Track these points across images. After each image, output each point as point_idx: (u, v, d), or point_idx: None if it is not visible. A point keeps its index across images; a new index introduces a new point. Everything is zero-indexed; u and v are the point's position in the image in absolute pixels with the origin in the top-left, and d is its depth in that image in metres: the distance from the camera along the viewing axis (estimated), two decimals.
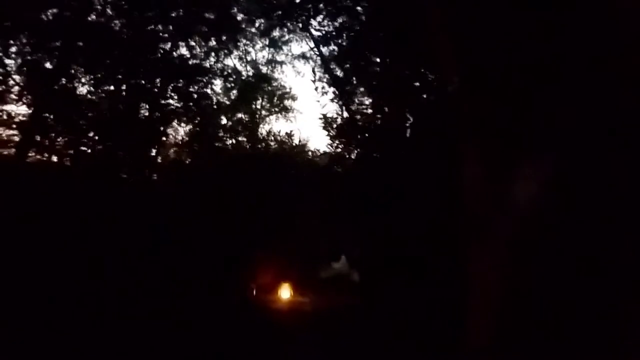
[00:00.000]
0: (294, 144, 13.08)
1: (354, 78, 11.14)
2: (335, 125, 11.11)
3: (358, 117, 10.99)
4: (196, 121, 11.71)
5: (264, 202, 9.65)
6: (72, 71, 9.62)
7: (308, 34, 12.61)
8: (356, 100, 11.33)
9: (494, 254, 1.47)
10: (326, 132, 11.15)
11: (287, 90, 14.48)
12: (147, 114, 10.94)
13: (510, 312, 1.39)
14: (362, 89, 11.19)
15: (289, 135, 13.41)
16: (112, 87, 10.36)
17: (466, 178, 1.57)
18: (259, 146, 12.68)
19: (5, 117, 8.80)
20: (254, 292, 8.32)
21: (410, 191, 7.58)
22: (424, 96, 9.17)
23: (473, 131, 1.56)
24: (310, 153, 12.87)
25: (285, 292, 8.49)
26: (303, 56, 13.63)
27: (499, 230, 1.46)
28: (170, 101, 11.24)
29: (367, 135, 10.28)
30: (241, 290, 8.11)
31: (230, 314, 6.53)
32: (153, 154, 11.31)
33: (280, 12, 12.33)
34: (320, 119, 11.26)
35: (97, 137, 9.70)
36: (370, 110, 10.95)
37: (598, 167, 1.27)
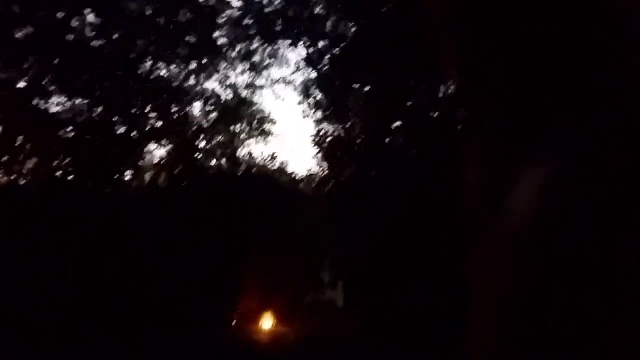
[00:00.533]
0: (275, 166, 13.02)
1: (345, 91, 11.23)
2: (327, 142, 11.14)
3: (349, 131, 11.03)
4: (175, 142, 11.70)
5: (245, 226, 9.43)
6: (46, 89, 9.62)
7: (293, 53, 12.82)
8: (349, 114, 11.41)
9: (494, 254, 1.46)
10: (318, 149, 11.15)
11: (267, 114, 14.55)
12: (123, 132, 10.92)
13: (510, 313, 1.38)
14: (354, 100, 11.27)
15: (272, 157, 13.41)
16: (86, 106, 10.35)
17: (466, 178, 1.57)
18: (240, 169, 12.63)
19: None
20: (234, 323, 8.01)
21: (411, 194, 7.60)
22: (424, 96, 9.20)
23: (473, 131, 1.56)
24: (292, 176, 12.82)
25: (267, 322, 8.13)
26: (284, 80, 13.84)
27: (499, 230, 1.46)
28: (150, 120, 11.29)
29: (362, 147, 10.30)
30: (220, 321, 7.82)
31: (208, 348, 6.28)
32: (128, 176, 11.28)
33: (261, 37, 12.56)
34: (313, 136, 11.30)
35: (68, 159, 9.66)
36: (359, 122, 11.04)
37: (599, 167, 1.27)
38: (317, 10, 12.12)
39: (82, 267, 7.06)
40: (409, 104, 9.90)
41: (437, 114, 8.82)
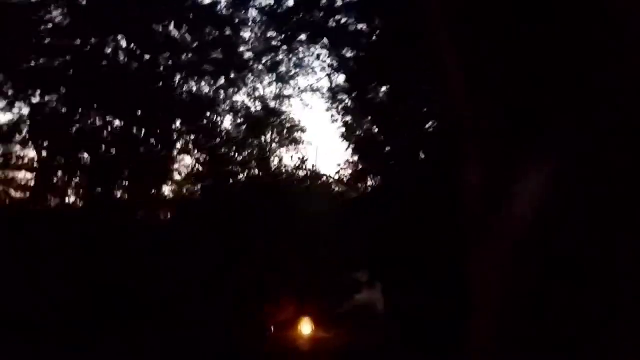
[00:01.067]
0: (307, 171, 13.09)
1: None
2: (354, 138, 11.19)
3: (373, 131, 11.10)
4: (206, 155, 11.90)
5: (279, 232, 9.41)
6: (82, 111, 9.84)
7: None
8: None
9: (495, 254, 1.46)
10: (347, 142, 11.17)
11: (296, 122, 14.81)
12: (157, 148, 11.14)
13: (511, 313, 1.38)
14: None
15: (302, 160, 13.47)
16: (121, 124, 10.61)
17: (466, 178, 1.57)
18: (271, 176, 12.72)
19: (19, 161, 8.99)
20: (272, 330, 7.86)
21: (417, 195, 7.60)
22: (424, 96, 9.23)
23: (473, 131, 1.56)
24: (324, 179, 12.89)
25: (306, 328, 7.85)
26: (311, 89, 14.06)
27: (499, 230, 1.46)
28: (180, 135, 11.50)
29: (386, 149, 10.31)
30: (259, 328, 7.72)
31: (248, 354, 6.27)
32: (163, 190, 11.53)
33: (285, 48, 12.71)
34: (343, 126, 11.30)
35: (108, 177, 9.87)
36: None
37: (599, 167, 1.26)
38: (337, 16, 12.27)
39: (82, 267, 7.06)
40: (409, 104, 9.93)
41: (437, 114, 8.83)
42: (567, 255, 1.28)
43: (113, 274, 7.14)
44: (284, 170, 13.23)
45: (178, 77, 11.63)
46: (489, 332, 1.45)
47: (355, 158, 11.68)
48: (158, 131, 11.23)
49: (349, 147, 11.80)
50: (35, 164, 9.51)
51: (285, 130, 14.56)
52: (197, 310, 7.21)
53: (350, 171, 11.96)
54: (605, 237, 1.23)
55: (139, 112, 10.68)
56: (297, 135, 14.54)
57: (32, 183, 9.62)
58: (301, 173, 12.93)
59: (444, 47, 1.54)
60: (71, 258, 7.05)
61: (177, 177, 12.39)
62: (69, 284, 6.75)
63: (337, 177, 12.19)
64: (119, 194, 10.67)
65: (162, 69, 11.23)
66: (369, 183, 11.51)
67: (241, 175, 12.80)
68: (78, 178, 10.00)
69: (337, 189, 12.51)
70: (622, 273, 1.21)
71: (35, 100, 9.37)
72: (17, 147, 9.36)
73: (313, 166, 14.16)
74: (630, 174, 1.22)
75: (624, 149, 1.23)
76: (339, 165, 12.39)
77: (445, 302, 5.96)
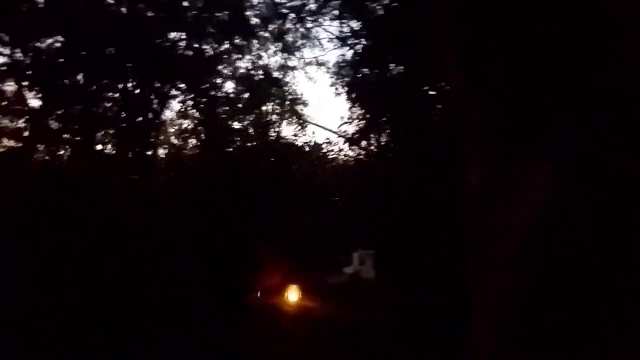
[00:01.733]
0: (305, 141, 12.89)
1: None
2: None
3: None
4: (205, 118, 11.68)
5: (270, 199, 9.40)
6: (81, 64, 9.62)
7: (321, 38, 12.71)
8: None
9: (495, 254, 1.46)
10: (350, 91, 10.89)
11: (299, 95, 14.57)
12: (156, 108, 10.93)
13: (511, 313, 1.38)
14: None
15: (302, 124, 13.28)
16: (120, 84, 10.39)
17: (467, 178, 1.57)
18: (268, 146, 12.54)
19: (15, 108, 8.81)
20: (259, 294, 7.96)
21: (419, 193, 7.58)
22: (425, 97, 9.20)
23: (474, 131, 1.56)
24: (321, 153, 12.72)
25: (293, 295, 7.98)
26: (316, 62, 13.82)
27: (500, 230, 1.46)
28: (178, 94, 11.22)
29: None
30: (246, 292, 7.80)
31: (234, 318, 6.33)
32: (159, 153, 11.34)
33: (295, 16, 12.43)
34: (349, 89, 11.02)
35: (105, 134, 9.73)
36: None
37: (599, 167, 1.26)
38: None
39: (82, 267, 7.06)
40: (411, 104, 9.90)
41: (438, 114, 8.82)
42: (567, 255, 1.28)
43: (113, 273, 7.16)
44: (283, 140, 13.00)
45: (181, 35, 11.15)
46: (490, 331, 1.45)
47: (360, 110, 11.28)
48: (156, 89, 10.92)
49: (351, 94, 11.42)
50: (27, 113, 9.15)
51: (287, 102, 14.26)
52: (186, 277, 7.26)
53: (355, 126, 11.63)
54: (606, 237, 1.23)
55: (138, 69, 10.30)
56: (298, 108, 14.30)
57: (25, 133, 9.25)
58: (301, 140, 12.89)
59: (444, 47, 1.54)
60: (71, 258, 7.05)
61: (174, 140, 12.31)
62: (69, 283, 6.76)
63: (341, 133, 11.83)
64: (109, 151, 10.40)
65: (164, 25, 10.65)
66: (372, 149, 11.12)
67: (238, 143, 12.50)
68: (70, 133, 9.61)
69: (337, 157, 12.21)
70: (622, 273, 1.21)
71: (34, 45, 9.08)
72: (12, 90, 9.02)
73: (313, 133, 14.06)
74: (630, 174, 1.22)
75: (624, 149, 1.23)
76: (343, 118, 11.86)
77: (445, 302, 5.96)
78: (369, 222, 8.73)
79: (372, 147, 10.75)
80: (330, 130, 12.80)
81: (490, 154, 1.49)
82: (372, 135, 10.77)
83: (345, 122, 11.24)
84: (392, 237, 7.90)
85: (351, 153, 11.35)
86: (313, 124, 13.93)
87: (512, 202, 1.41)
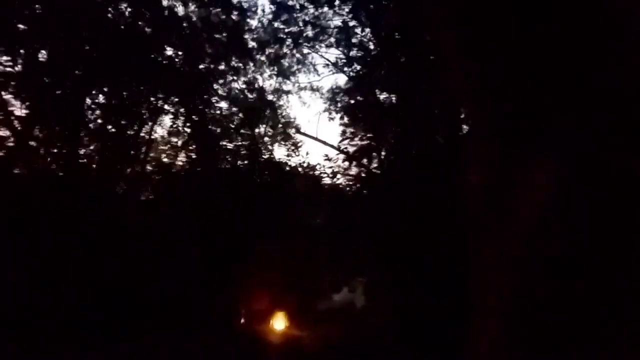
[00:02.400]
0: (298, 161, 12.81)
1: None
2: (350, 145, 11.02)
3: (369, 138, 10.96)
4: (196, 135, 11.67)
5: (259, 218, 9.14)
6: (74, 73, 9.59)
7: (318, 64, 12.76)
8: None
9: (496, 255, 1.46)
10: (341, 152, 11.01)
11: (292, 119, 14.76)
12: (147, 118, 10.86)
13: (512, 313, 1.38)
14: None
15: (296, 145, 13.23)
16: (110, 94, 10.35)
17: (468, 179, 1.57)
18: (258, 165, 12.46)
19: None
20: (243, 321, 7.51)
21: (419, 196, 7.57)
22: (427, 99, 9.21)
23: (474, 132, 1.56)
24: (312, 172, 12.58)
25: (279, 323, 7.42)
26: (310, 87, 14.12)
27: (500, 230, 1.46)
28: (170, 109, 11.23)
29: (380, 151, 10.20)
30: (229, 318, 7.36)
31: (215, 346, 5.96)
32: (148, 168, 11.30)
33: (291, 41, 12.56)
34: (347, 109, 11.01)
35: (93, 144, 9.68)
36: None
37: (599, 167, 1.26)
38: (345, 18, 12.09)
39: (82, 267, 7.06)
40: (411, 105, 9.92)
41: (439, 115, 8.83)
42: (568, 255, 1.28)
43: (112, 272, 7.15)
44: (275, 161, 12.81)
45: (179, 53, 11.19)
46: (490, 331, 1.45)
47: (359, 129, 11.28)
48: (146, 104, 10.90)
49: (350, 112, 11.45)
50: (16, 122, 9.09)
51: (280, 125, 14.38)
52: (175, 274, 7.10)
53: (355, 143, 11.57)
54: (606, 236, 1.23)
55: (131, 83, 10.33)
56: (291, 131, 14.38)
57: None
58: (294, 161, 12.73)
59: (445, 47, 1.54)
60: (70, 258, 7.05)
61: (163, 157, 12.10)
62: (69, 283, 6.75)
63: (341, 150, 11.76)
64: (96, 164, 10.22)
65: (162, 44, 10.75)
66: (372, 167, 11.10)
67: (228, 161, 12.37)
68: (58, 143, 9.39)
69: (333, 178, 12.11)
70: (622, 273, 1.21)
71: (27, 52, 9.03)
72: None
73: (307, 153, 13.97)
74: (630, 174, 1.22)
75: (624, 149, 1.23)
76: (344, 134, 11.81)
77: (445, 302, 5.96)
78: (366, 227, 8.62)
79: (373, 163, 10.76)
80: (331, 146, 12.85)
81: (491, 154, 1.49)
82: (373, 154, 10.79)
83: (346, 138, 11.30)
84: (392, 237, 7.87)
85: (352, 172, 11.37)
86: (311, 137, 14.00)
87: (512, 202, 1.41)
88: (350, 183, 11.18)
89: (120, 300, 6.70)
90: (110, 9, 9.94)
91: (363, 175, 10.81)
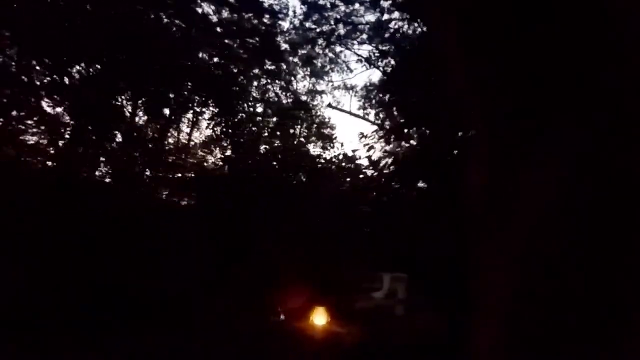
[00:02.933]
0: (333, 155, 12.70)
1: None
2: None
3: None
4: (232, 138, 11.85)
5: (296, 216, 8.98)
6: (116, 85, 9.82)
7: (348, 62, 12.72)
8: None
9: (497, 254, 1.46)
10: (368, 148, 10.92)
11: (326, 119, 14.80)
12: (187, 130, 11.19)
13: (513, 314, 1.38)
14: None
15: (331, 138, 13.28)
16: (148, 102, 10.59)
17: (469, 179, 1.57)
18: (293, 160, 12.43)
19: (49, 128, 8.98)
20: (282, 317, 7.42)
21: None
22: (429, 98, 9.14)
23: (476, 133, 1.56)
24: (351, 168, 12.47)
25: (319, 319, 7.11)
26: (344, 86, 14.10)
27: (501, 230, 1.46)
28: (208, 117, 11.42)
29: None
30: (267, 314, 7.23)
31: (255, 342, 5.95)
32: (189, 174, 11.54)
33: (323, 40, 12.56)
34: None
35: (135, 154, 9.90)
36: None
37: (599, 167, 1.26)
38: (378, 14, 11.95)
39: (82, 267, 7.06)
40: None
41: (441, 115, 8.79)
42: (568, 255, 1.28)
43: (113, 273, 7.15)
44: (310, 160, 12.93)
45: (214, 59, 11.42)
46: (490, 331, 1.45)
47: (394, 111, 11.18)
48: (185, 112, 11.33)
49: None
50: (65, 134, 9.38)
51: (315, 125, 14.60)
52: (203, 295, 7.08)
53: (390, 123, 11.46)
54: (606, 236, 1.23)
55: (168, 91, 10.59)
56: (326, 131, 14.56)
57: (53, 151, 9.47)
58: (329, 155, 12.56)
59: (446, 48, 1.54)
60: (70, 258, 7.06)
61: (204, 163, 12.36)
62: (69, 283, 6.76)
63: (379, 132, 11.69)
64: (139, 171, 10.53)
65: (197, 50, 11.04)
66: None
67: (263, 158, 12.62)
68: (103, 153, 9.77)
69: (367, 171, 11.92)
70: (623, 272, 1.21)
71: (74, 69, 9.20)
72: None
73: (342, 145, 13.85)
74: (630, 174, 1.22)
75: (624, 149, 1.23)
76: (380, 111, 11.95)
77: (445, 302, 5.94)
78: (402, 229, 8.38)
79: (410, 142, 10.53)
80: (365, 119, 12.78)
81: (491, 154, 1.49)
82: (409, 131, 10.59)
83: (384, 118, 11.23)
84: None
85: (388, 148, 11.25)
86: (344, 111, 14.00)
87: (512, 202, 1.42)
88: (388, 162, 10.98)
89: (120, 300, 6.69)
90: (146, 17, 10.03)
91: (400, 149, 10.57)
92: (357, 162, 11.49)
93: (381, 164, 10.53)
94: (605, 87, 1.26)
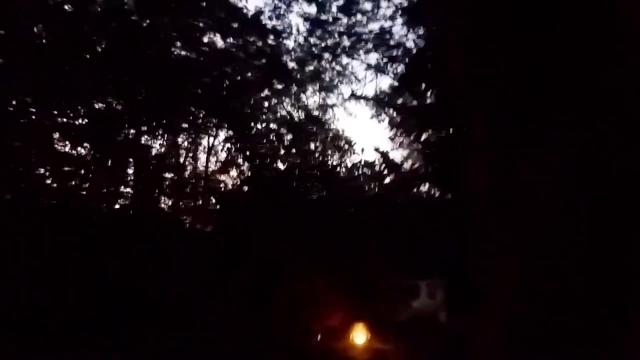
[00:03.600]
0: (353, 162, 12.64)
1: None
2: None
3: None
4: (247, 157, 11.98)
5: (330, 229, 8.57)
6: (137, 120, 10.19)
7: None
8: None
9: (497, 254, 1.46)
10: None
11: (340, 132, 14.77)
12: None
13: (515, 314, 1.38)
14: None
15: (350, 143, 13.41)
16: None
17: (473, 181, 1.57)
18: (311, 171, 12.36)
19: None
20: (319, 337, 6.54)
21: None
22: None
23: (476, 132, 1.56)
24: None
25: (359, 336, 6.25)
26: (354, 96, 14.03)
27: (502, 230, 1.46)
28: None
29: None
30: (303, 335, 6.53)
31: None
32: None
33: (329, 54, 12.76)
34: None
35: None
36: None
37: (599, 167, 1.26)
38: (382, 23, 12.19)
39: (82, 267, 7.07)
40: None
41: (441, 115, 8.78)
42: (568, 254, 1.28)
43: (115, 274, 7.15)
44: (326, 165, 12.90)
45: (225, 83, 11.73)
46: (490, 331, 1.45)
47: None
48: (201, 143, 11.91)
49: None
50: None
51: (329, 139, 14.53)
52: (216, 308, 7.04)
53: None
54: (606, 236, 1.23)
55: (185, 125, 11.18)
56: (341, 143, 14.47)
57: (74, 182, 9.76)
58: (349, 161, 12.82)
59: (447, 47, 1.54)
60: (70, 258, 7.06)
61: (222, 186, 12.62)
62: (69, 283, 6.76)
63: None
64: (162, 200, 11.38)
65: (207, 76, 11.35)
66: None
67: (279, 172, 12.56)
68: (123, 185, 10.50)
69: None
70: (624, 272, 1.21)
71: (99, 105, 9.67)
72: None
73: (363, 150, 13.85)
74: (630, 174, 1.22)
75: (624, 149, 1.23)
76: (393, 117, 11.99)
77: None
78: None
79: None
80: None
81: (492, 154, 1.49)
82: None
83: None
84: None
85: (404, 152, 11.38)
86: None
87: (513, 202, 1.42)
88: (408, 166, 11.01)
89: (120, 300, 6.68)
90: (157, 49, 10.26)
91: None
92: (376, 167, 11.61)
93: (402, 168, 10.63)
94: (605, 87, 1.26)
